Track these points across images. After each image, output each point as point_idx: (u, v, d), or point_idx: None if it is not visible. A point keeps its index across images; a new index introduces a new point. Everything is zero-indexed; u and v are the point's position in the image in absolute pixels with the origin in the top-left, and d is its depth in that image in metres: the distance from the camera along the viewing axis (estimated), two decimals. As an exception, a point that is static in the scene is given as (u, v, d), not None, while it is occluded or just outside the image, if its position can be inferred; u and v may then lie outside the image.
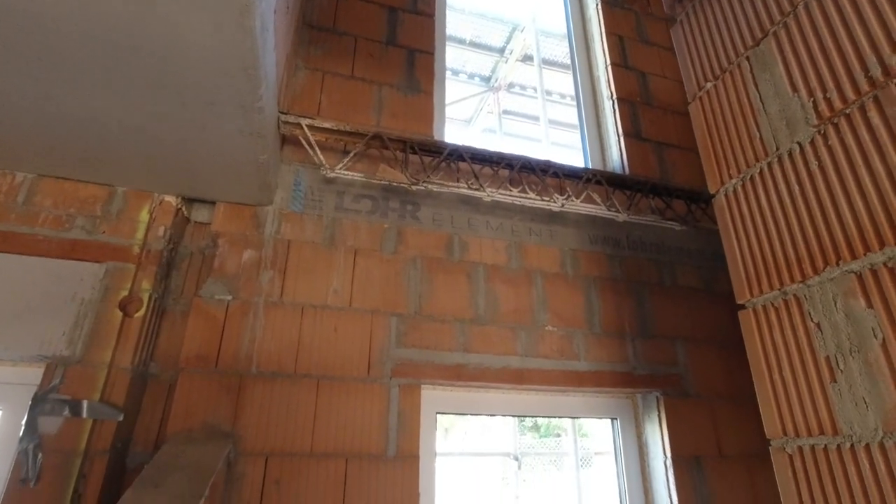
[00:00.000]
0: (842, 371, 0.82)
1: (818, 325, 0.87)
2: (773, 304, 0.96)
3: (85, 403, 1.50)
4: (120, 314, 1.63)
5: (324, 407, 1.71)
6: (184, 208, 1.87)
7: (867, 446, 0.78)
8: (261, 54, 1.23)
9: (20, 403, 1.55)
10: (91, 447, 1.49)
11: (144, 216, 1.77)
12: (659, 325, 2.32)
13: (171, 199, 1.82)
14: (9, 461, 1.48)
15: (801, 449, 0.87)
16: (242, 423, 1.63)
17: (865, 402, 0.78)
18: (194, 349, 1.67)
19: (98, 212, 1.72)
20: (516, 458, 4.77)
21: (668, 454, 2.11)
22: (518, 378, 1.98)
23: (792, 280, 0.92)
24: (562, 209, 2.12)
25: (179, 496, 1.22)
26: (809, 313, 0.88)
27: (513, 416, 2.19)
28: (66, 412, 1.48)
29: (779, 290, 0.95)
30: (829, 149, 0.87)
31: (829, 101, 0.88)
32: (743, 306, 1.03)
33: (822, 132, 0.89)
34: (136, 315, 1.65)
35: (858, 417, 0.79)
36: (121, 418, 1.54)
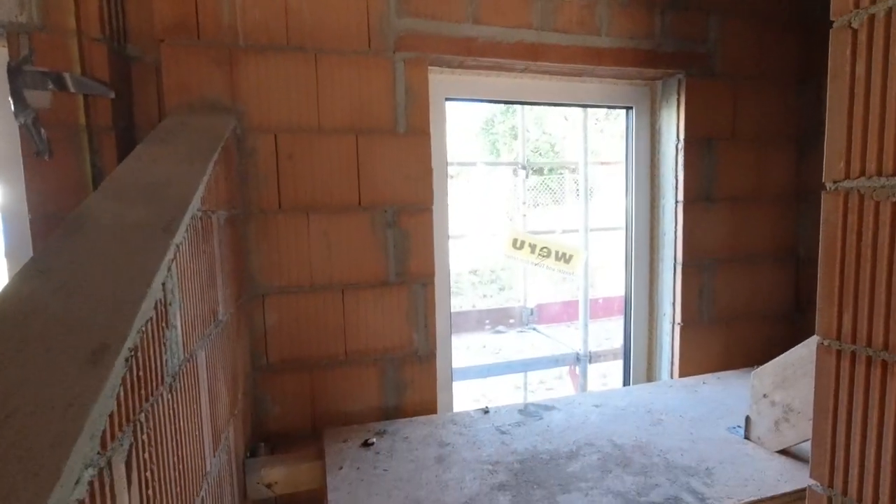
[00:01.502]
0: None
1: None
2: None
3: (68, 76, 1.39)
4: (68, -27, 1.38)
5: (325, 81, 1.60)
6: None
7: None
8: None
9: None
10: (92, 123, 1.45)
11: None
12: (696, -5, 2.02)
13: None
14: (15, 143, 1.46)
15: (872, 18, 0.75)
16: (242, 98, 1.54)
17: None
18: (169, 17, 1.47)
19: None
20: (524, 167, 5.01)
21: (681, 136, 2.09)
22: (533, 54, 1.81)
23: None
24: None
25: (192, 150, 1.21)
26: None
27: (524, 103, 2.10)
28: (50, 85, 1.38)
29: None
30: None
31: None
32: None
33: None
34: (88, -26, 1.40)
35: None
36: (112, 95, 1.45)
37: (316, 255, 1.64)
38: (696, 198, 2.10)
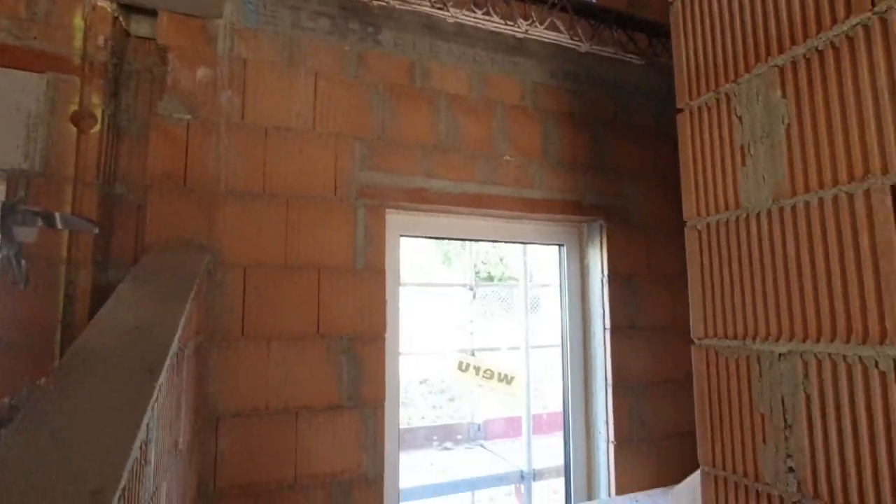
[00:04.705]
0: (751, 156, 0.97)
1: (740, 118, 0.99)
2: (706, 105, 1.07)
3: (57, 216, 1.54)
4: (74, 129, 1.59)
5: (294, 225, 1.82)
6: (121, 17, 1.72)
7: (758, 214, 0.95)
8: None
9: (-11, 220, 1.57)
10: (72, 257, 1.57)
11: (78, 22, 1.63)
12: (609, 159, 2.47)
13: (104, 4, 1.66)
14: (-9, 271, 1.55)
15: (708, 224, 1.06)
16: (217, 238, 1.72)
17: (764, 179, 0.94)
18: (160, 167, 1.69)
19: (22, 13, 1.57)
20: (471, 289, 5.31)
21: (605, 272, 2.41)
22: (477, 203, 2.13)
23: (726, 80, 1.02)
24: (525, 35, 2.08)
25: (171, 290, 1.35)
26: (735, 108, 1.00)
27: (470, 239, 2.40)
28: (40, 223, 1.52)
29: (714, 91, 1.05)
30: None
31: None
32: (681, 110, 1.14)
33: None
34: (92, 131, 1.62)
35: (756, 192, 0.96)
36: (96, 231, 1.60)
37: (273, 380, 1.73)
38: (622, 326, 2.38)
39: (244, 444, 1.68)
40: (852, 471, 0.80)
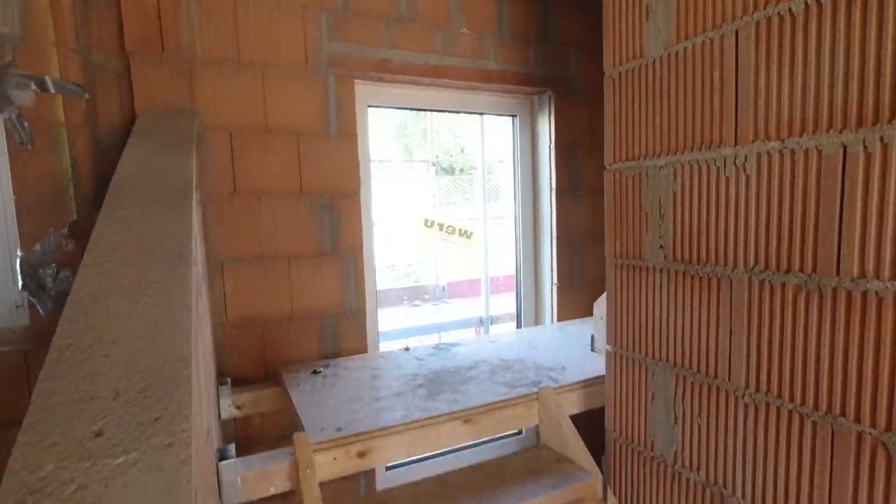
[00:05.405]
0: (653, 13, 1.22)
1: (649, -15, 1.23)
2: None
3: (48, 79, 1.65)
4: (47, -6, 1.65)
5: (271, 91, 1.98)
6: None
7: (654, 61, 1.24)
8: None
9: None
10: (70, 120, 1.71)
11: None
12: (558, 34, 2.64)
13: None
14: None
15: (620, 73, 1.34)
16: (201, 103, 1.88)
17: (660, 32, 1.21)
18: (137, 34, 1.78)
19: None
20: (433, 164, 5.60)
21: (553, 140, 2.71)
22: (436, 73, 2.32)
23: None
24: None
25: (175, 143, 1.55)
26: (646, -23, 1.23)
27: (432, 110, 2.60)
28: (33, 86, 1.64)
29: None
30: None
31: None
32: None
33: None
34: (65, -4, 1.68)
35: (654, 43, 1.23)
36: (86, 96, 1.73)
37: (265, 231, 2.01)
38: (566, 188, 2.73)
39: (247, 284, 2.00)
40: (696, 238, 1.18)
